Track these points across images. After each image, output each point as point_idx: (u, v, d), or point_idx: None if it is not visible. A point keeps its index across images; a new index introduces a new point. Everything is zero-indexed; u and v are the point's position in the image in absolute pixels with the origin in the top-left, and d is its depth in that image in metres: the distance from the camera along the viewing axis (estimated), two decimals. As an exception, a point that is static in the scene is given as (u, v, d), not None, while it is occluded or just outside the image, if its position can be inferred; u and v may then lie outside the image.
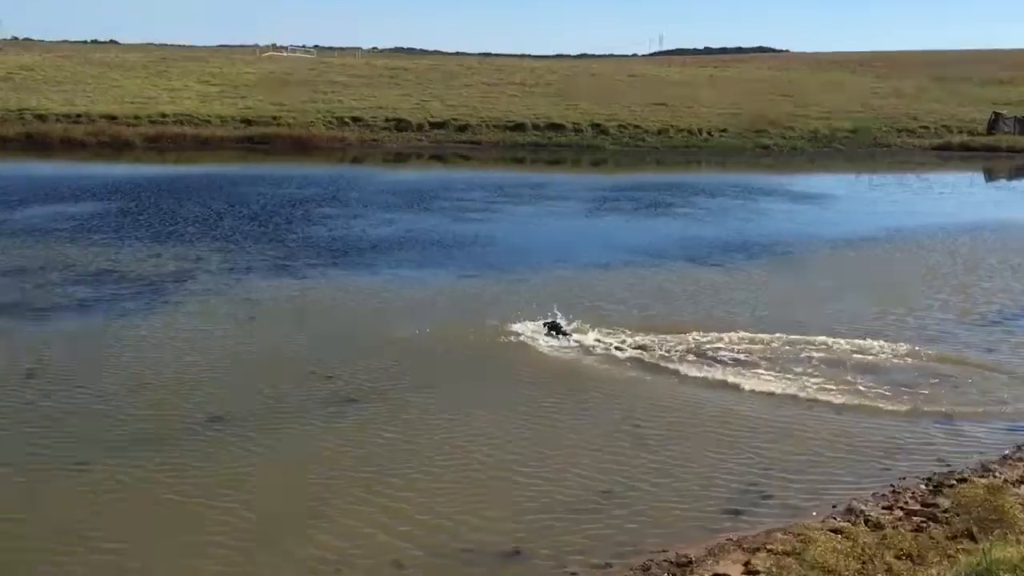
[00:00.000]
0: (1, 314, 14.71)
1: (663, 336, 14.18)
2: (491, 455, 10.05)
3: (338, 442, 10.25)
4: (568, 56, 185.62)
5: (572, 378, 12.59)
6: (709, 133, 50.73)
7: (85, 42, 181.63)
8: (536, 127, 49.47)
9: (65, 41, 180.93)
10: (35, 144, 40.41)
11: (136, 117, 45.74)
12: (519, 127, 49.27)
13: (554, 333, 14.31)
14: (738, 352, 13.60)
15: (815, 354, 13.57)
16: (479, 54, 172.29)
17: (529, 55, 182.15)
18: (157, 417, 10.81)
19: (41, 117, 44.67)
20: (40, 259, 18.63)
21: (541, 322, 14.62)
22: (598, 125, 50.28)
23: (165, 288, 16.60)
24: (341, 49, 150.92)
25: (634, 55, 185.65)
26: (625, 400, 11.75)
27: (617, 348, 13.81)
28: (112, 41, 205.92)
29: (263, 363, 12.82)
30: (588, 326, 14.56)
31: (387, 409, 11.18)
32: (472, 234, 23.07)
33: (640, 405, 11.59)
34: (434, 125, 48.89)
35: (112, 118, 45.23)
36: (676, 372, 12.81)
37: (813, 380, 12.53)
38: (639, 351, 13.65)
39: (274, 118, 47.57)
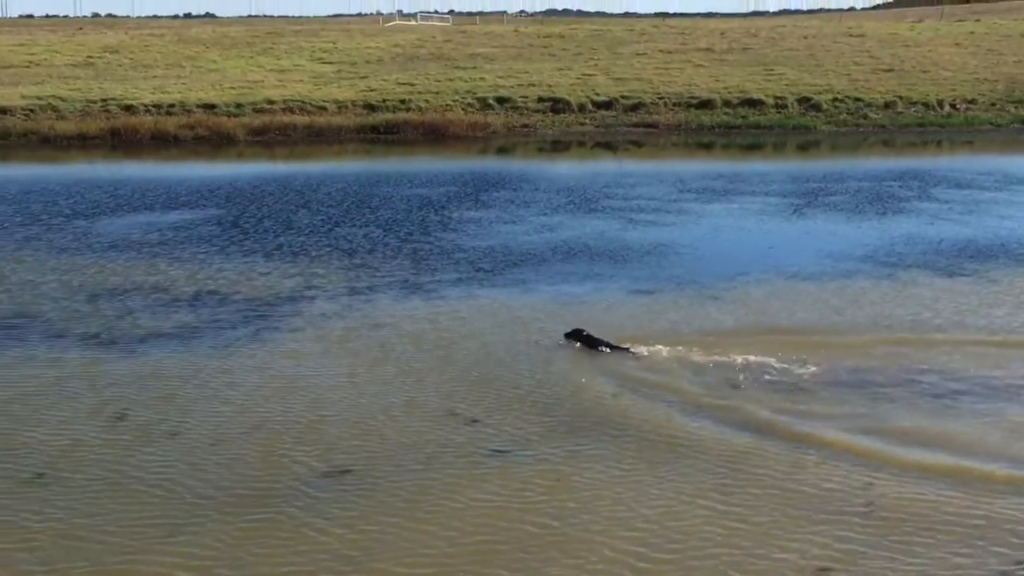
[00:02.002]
0: (85, 346, 15.44)
1: (902, 374, 13.88)
2: (671, 529, 10.00)
3: (485, 501, 10.36)
4: (765, 13, 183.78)
5: (771, 428, 12.41)
6: (953, 106, 49.47)
7: (177, 16, 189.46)
8: (727, 104, 49.16)
9: (155, 16, 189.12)
10: (122, 141, 42.30)
11: (238, 105, 47.42)
12: (705, 105, 49.05)
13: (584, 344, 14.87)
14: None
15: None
16: (654, 14, 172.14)
17: (716, 13, 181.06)
18: (267, 468, 11.15)
19: (129, 108, 46.74)
20: (128, 279, 19.50)
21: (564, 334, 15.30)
22: (807, 99, 49.62)
23: (275, 312, 17.14)
24: (482, 14, 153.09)
25: (851, 8, 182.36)
26: (849, 459, 11.54)
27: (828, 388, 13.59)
28: (209, 15, 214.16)
29: (392, 403, 13.09)
30: (799, 360, 14.37)
31: (543, 465, 11.23)
32: (648, 241, 23.05)
33: (875, 473, 11.33)
34: (599, 105, 49.10)
35: (210, 107, 47.01)
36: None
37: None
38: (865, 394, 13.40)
39: (402, 101, 48.59)
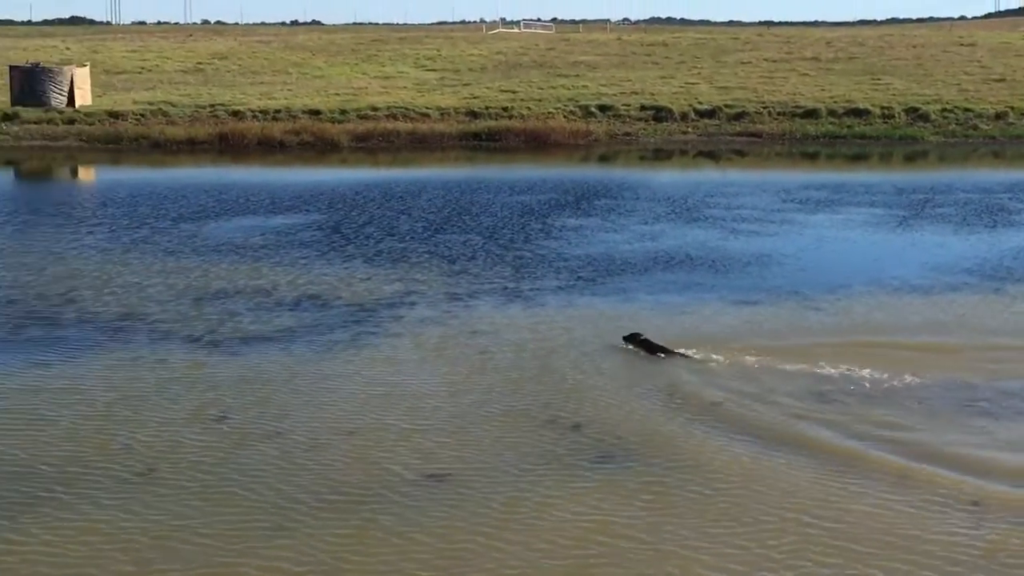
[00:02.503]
0: (188, 348, 15.61)
1: (1002, 387, 13.52)
2: (771, 548, 9.80)
3: (579, 514, 10.25)
4: (872, 22, 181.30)
5: (866, 438, 12.13)
6: (1066, 117, 48.26)
7: (284, 24, 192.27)
8: (832, 113, 48.54)
9: (262, 24, 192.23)
10: (229, 146, 42.91)
11: (342, 111, 47.90)
12: (810, 114, 48.49)
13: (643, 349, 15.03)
14: None
15: None
16: (758, 23, 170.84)
17: (823, 22, 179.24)
18: (363, 473, 11.15)
19: (236, 114, 47.43)
20: (232, 282, 19.72)
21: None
22: (915, 109, 48.79)
23: (375, 317, 17.19)
24: (585, 22, 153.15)
25: (962, 17, 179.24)
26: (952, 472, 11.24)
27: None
28: (315, 22, 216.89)
29: (490, 411, 13.03)
30: (897, 372, 14.06)
31: (643, 477, 11.08)
32: (750, 251, 22.79)
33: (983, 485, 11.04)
34: (701, 114, 48.78)
35: (315, 113, 47.55)
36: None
37: None
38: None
39: (504, 109, 48.70)
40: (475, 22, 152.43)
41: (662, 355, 14.96)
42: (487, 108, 48.83)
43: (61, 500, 10.45)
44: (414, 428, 12.40)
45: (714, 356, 14.86)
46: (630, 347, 15.30)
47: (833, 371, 14.19)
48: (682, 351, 15.05)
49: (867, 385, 13.70)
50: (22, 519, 10.06)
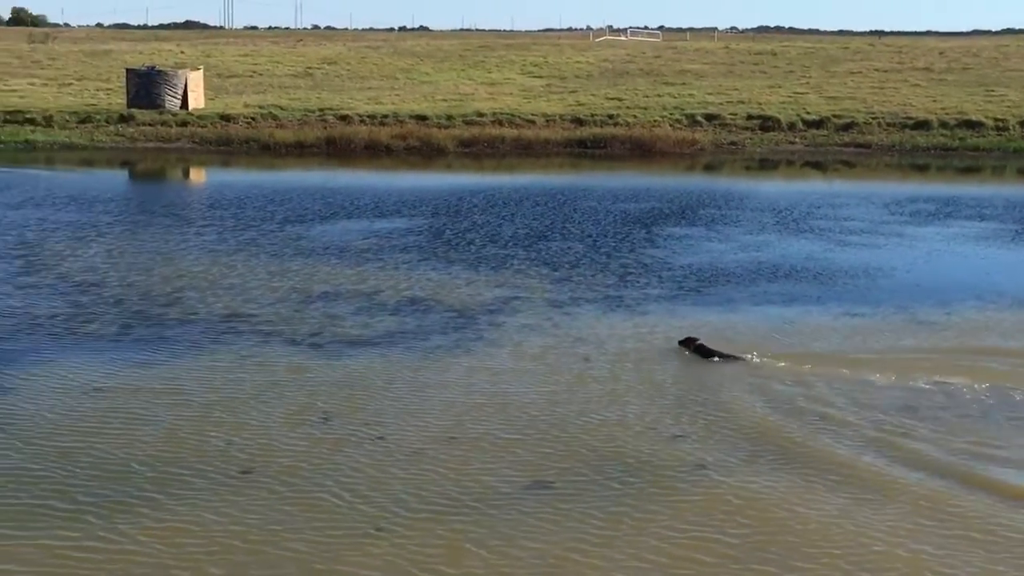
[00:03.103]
0: (291, 349, 15.71)
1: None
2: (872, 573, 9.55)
3: (681, 530, 10.09)
4: (987, 32, 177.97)
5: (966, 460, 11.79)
6: None
7: (392, 29, 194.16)
8: (944, 125, 47.62)
9: (371, 29, 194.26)
10: (337, 150, 43.33)
11: (449, 117, 48.12)
12: (922, 125, 47.63)
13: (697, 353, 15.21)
14: None
15: None
16: (869, 32, 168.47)
17: (935, 32, 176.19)
18: (461, 481, 11.09)
19: (344, 118, 47.89)
20: (335, 284, 19.83)
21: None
22: (1030, 121, 47.66)
23: (476, 323, 17.17)
24: (693, 30, 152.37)
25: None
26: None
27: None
28: (423, 28, 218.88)
29: (596, 418, 12.92)
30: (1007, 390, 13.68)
31: (745, 492, 10.90)
32: (858, 263, 22.41)
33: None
34: (809, 124, 48.21)
35: (422, 118, 47.83)
36: None
37: None
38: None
39: (610, 116, 48.58)
40: (582, 29, 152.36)
41: (716, 359, 15.06)
42: (593, 115, 48.73)
43: (156, 500, 10.51)
44: (513, 437, 12.31)
45: (779, 363, 14.89)
46: (686, 352, 15.41)
47: (936, 385, 13.90)
48: (739, 355, 15.13)
49: (967, 399, 13.39)
50: (116, 518, 10.14)
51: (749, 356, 15.12)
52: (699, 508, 10.47)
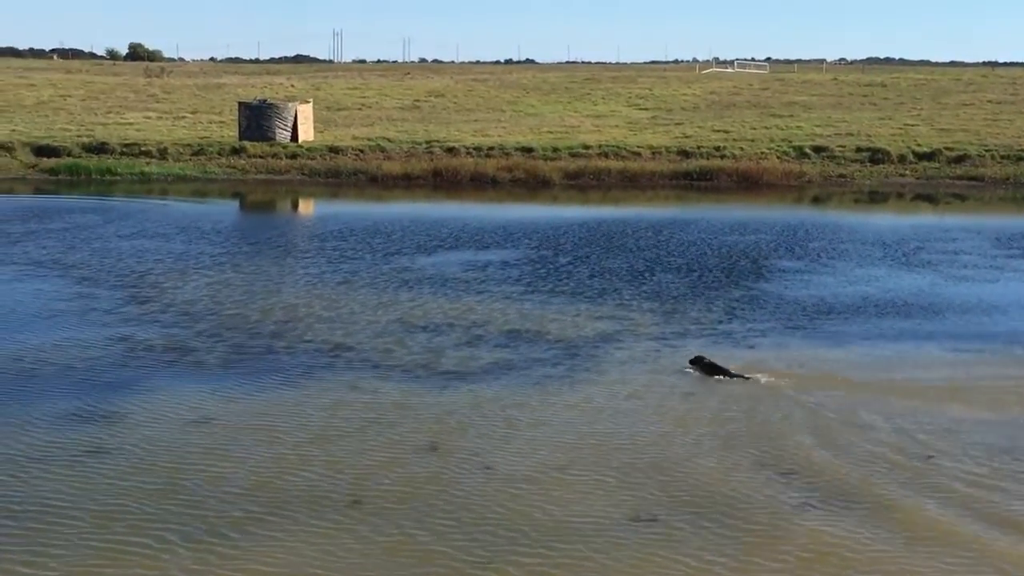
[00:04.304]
0: (399, 378, 15.94)
1: None
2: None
3: (780, 566, 10.06)
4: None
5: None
6: None
7: (499, 62, 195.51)
8: (1061, 157, 46.63)
9: (478, 62, 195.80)
10: (443, 181, 43.71)
11: (555, 149, 48.31)
12: (1036, 157, 46.67)
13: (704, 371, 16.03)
14: None
15: None
16: (982, 63, 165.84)
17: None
18: (570, 512, 11.20)
19: (451, 151, 48.34)
20: (442, 314, 20.05)
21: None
22: None
23: (582, 354, 17.25)
24: (800, 62, 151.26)
25: None
26: None
27: None
28: (529, 60, 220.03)
29: (701, 451, 12.97)
30: None
31: (849, 533, 10.84)
32: (971, 297, 22.11)
33: None
34: (920, 156, 47.54)
35: (528, 150, 48.06)
36: None
37: None
38: None
39: (716, 148, 48.38)
40: (688, 61, 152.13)
41: (720, 377, 15.82)
42: (699, 147, 48.60)
43: (266, 524, 10.78)
44: (622, 468, 12.39)
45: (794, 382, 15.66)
46: (694, 371, 16.16)
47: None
48: (745, 375, 15.91)
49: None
50: (224, 542, 10.41)
51: (760, 376, 15.89)
52: (799, 545, 10.45)
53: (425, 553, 10.22)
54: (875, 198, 42.45)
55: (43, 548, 10.19)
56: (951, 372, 16.57)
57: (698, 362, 16.29)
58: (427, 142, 50.26)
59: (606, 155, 47.49)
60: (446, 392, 15.30)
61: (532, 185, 43.45)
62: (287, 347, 17.69)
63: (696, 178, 44.35)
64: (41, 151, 47.67)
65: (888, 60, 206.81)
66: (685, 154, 47.66)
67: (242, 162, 46.99)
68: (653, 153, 47.98)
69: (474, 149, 48.52)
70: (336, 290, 22.24)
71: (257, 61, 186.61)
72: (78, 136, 50.56)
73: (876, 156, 47.41)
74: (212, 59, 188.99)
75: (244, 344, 17.86)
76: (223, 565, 9.92)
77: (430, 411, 14.46)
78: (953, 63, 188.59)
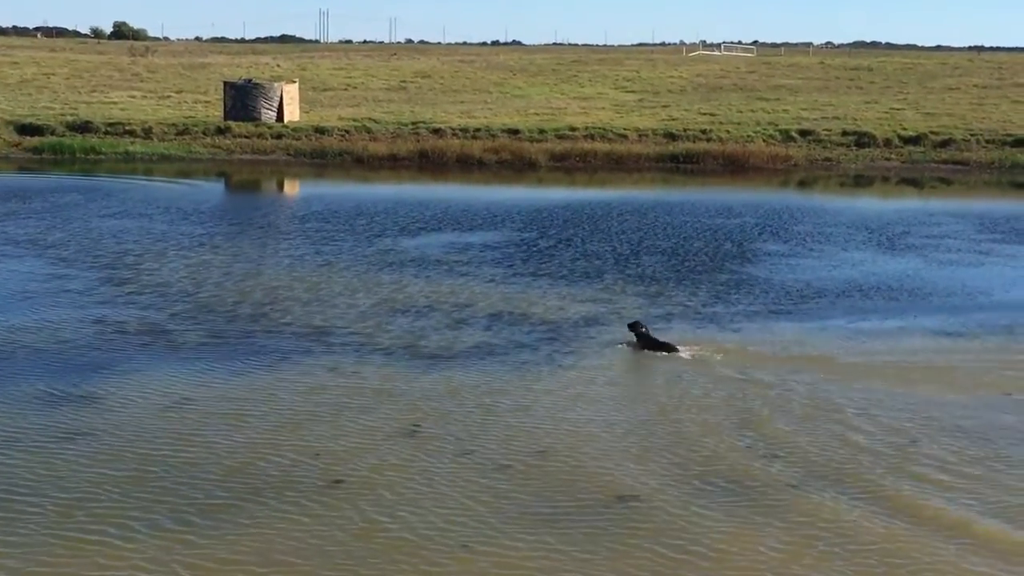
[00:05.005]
0: (381, 361, 15.80)
1: None
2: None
3: (758, 553, 9.96)
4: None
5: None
6: None
7: (485, 44, 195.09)
8: (1046, 142, 46.61)
9: (464, 43, 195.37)
10: (429, 162, 43.55)
11: (541, 131, 48.13)
12: (1022, 142, 46.62)
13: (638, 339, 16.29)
14: None
15: None
16: (968, 48, 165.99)
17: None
18: (551, 493, 11.12)
19: (437, 132, 48.12)
20: (425, 296, 19.91)
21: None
22: None
23: (567, 337, 17.12)
24: (787, 45, 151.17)
25: None
26: None
27: None
28: (515, 42, 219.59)
29: (683, 434, 12.88)
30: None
31: (834, 516, 10.74)
32: (954, 280, 22.06)
33: None
34: (906, 140, 47.51)
35: (514, 132, 47.87)
36: None
37: None
38: None
39: (703, 131, 48.26)
40: (675, 44, 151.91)
41: (662, 353, 16.07)
42: (685, 130, 48.46)
43: (244, 509, 10.64)
44: (603, 451, 12.30)
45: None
46: (631, 334, 16.49)
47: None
48: (674, 345, 16.24)
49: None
50: (205, 523, 10.30)
51: (676, 346, 16.19)
52: (779, 529, 10.37)
53: (398, 538, 10.08)
54: (860, 182, 42.38)
55: (3, 537, 9.97)
56: (930, 351, 16.52)
57: (635, 327, 16.54)
58: (413, 123, 50.04)
59: (592, 137, 47.33)
60: (429, 374, 15.17)
61: (518, 167, 43.29)
62: (265, 330, 17.50)
63: (682, 161, 44.25)
64: (24, 129, 47.40)
65: (875, 44, 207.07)
66: (671, 137, 47.53)
67: (227, 142, 46.69)
68: (639, 136, 47.84)
69: (460, 131, 48.32)
70: (317, 272, 22.04)
71: (243, 40, 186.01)
72: (62, 115, 50.26)
73: (862, 140, 47.35)
74: (197, 38, 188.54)
75: (221, 327, 17.66)
76: (191, 555, 9.74)
77: (412, 393, 14.32)
78: (939, 47, 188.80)
